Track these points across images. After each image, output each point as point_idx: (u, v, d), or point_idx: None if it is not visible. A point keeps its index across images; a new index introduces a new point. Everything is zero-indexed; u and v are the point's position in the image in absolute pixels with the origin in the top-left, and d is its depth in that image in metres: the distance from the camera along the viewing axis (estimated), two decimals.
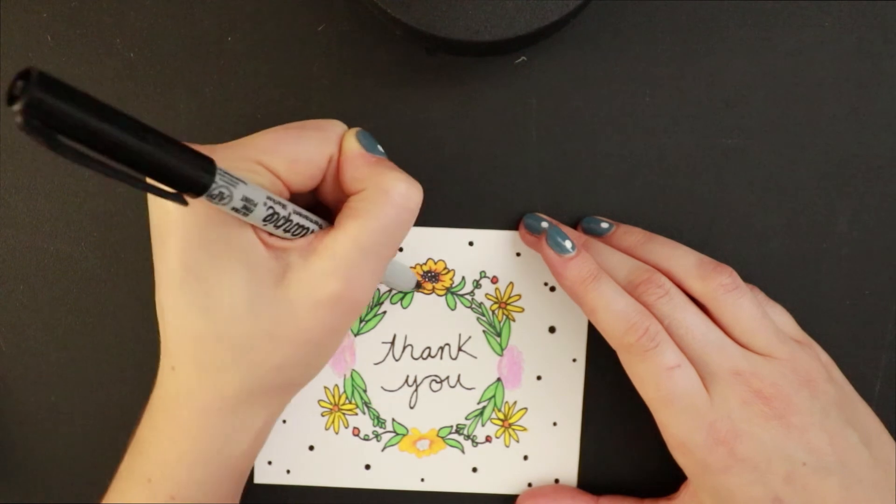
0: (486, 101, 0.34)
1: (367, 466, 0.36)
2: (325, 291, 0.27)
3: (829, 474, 0.27)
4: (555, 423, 0.35)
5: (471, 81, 0.34)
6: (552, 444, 0.36)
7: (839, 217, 0.34)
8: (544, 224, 0.33)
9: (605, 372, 0.35)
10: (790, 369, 0.29)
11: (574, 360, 0.35)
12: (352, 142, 0.29)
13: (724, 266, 0.31)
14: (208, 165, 0.22)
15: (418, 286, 0.35)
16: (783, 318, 0.32)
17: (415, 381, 0.35)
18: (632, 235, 0.33)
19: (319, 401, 0.36)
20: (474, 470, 0.36)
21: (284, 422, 0.36)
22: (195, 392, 0.28)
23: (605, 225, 0.33)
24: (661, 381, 0.28)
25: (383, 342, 0.35)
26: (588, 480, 0.36)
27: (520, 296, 0.35)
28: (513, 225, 0.34)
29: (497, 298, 0.35)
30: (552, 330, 0.35)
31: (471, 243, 0.35)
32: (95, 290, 0.35)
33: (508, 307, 0.35)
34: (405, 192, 0.27)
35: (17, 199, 0.34)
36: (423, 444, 0.36)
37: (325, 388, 0.35)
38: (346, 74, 0.34)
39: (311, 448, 0.36)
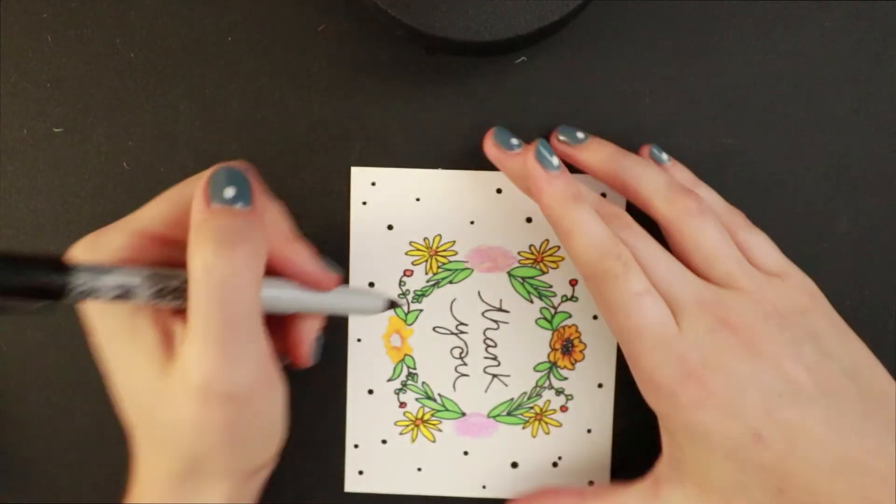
0: (486, 101, 0.34)
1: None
2: (194, 378, 0.24)
3: (811, 405, 0.26)
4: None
5: (471, 81, 0.34)
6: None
7: (839, 217, 0.34)
8: (514, 141, 0.32)
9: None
10: (753, 300, 0.28)
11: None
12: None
13: (692, 191, 0.30)
14: (61, 268, 0.22)
15: (392, 306, 0.33)
16: (763, 248, 0.31)
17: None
18: (605, 148, 0.32)
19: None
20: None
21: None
22: (142, 474, 0.28)
23: (580, 135, 0.32)
24: (630, 308, 0.27)
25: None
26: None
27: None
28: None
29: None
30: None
31: None
32: None
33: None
34: (201, 265, 0.23)
35: (17, 199, 0.34)
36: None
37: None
38: (346, 74, 0.34)
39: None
